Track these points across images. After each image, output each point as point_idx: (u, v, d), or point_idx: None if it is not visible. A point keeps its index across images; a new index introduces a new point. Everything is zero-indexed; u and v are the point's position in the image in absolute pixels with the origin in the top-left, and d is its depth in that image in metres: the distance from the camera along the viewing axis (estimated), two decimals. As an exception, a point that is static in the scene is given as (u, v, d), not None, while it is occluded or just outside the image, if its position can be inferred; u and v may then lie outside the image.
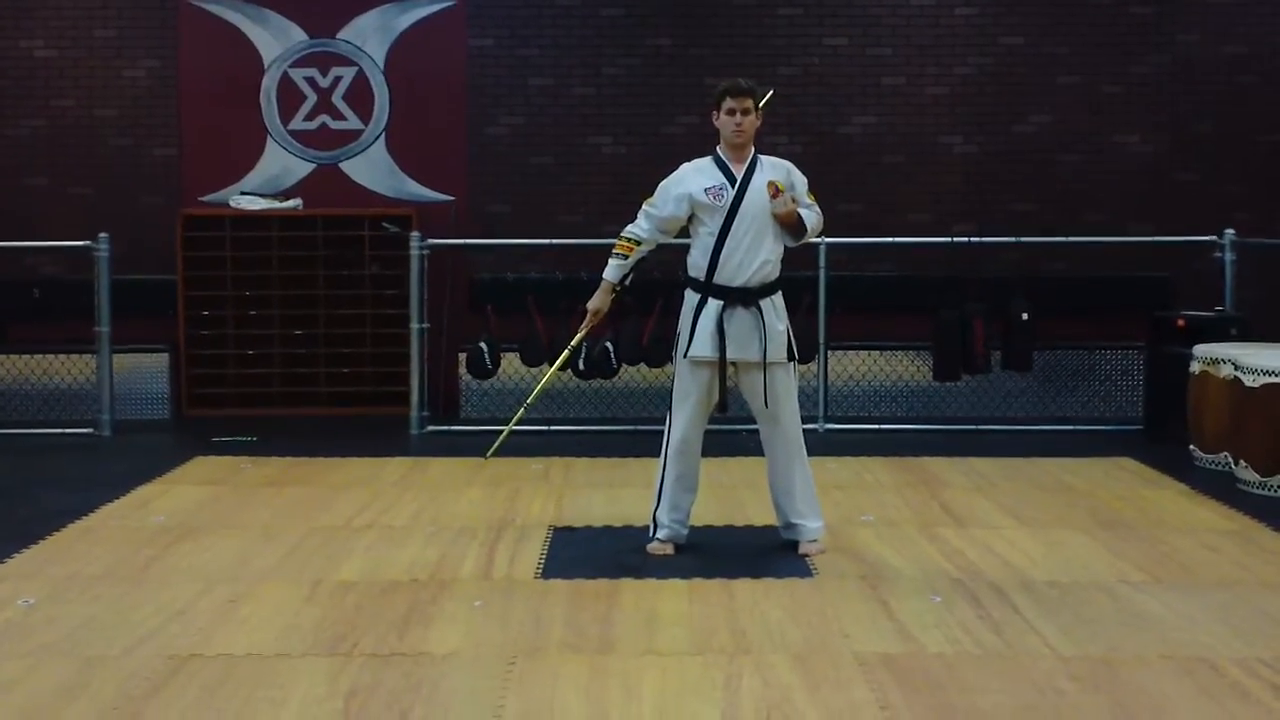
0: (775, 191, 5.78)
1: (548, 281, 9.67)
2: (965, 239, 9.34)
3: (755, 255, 5.77)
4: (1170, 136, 10.31)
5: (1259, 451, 7.21)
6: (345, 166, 10.32)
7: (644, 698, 4.27)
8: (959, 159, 10.34)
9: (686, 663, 4.57)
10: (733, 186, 5.78)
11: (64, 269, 10.11)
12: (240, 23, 10.24)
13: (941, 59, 10.33)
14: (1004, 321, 9.19)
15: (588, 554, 5.98)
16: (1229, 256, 9.03)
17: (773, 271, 5.85)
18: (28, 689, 4.35)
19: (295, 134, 10.29)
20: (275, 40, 10.27)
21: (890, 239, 9.63)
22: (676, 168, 5.97)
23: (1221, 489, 7.22)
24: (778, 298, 5.89)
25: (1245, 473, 7.30)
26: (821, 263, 9.12)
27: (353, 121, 10.31)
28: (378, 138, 10.32)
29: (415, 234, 9.29)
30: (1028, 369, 9.33)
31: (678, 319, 5.97)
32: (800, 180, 5.92)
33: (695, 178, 5.85)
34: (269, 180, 10.26)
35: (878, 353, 9.72)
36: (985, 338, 9.11)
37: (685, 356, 5.87)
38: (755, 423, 6.03)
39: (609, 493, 7.20)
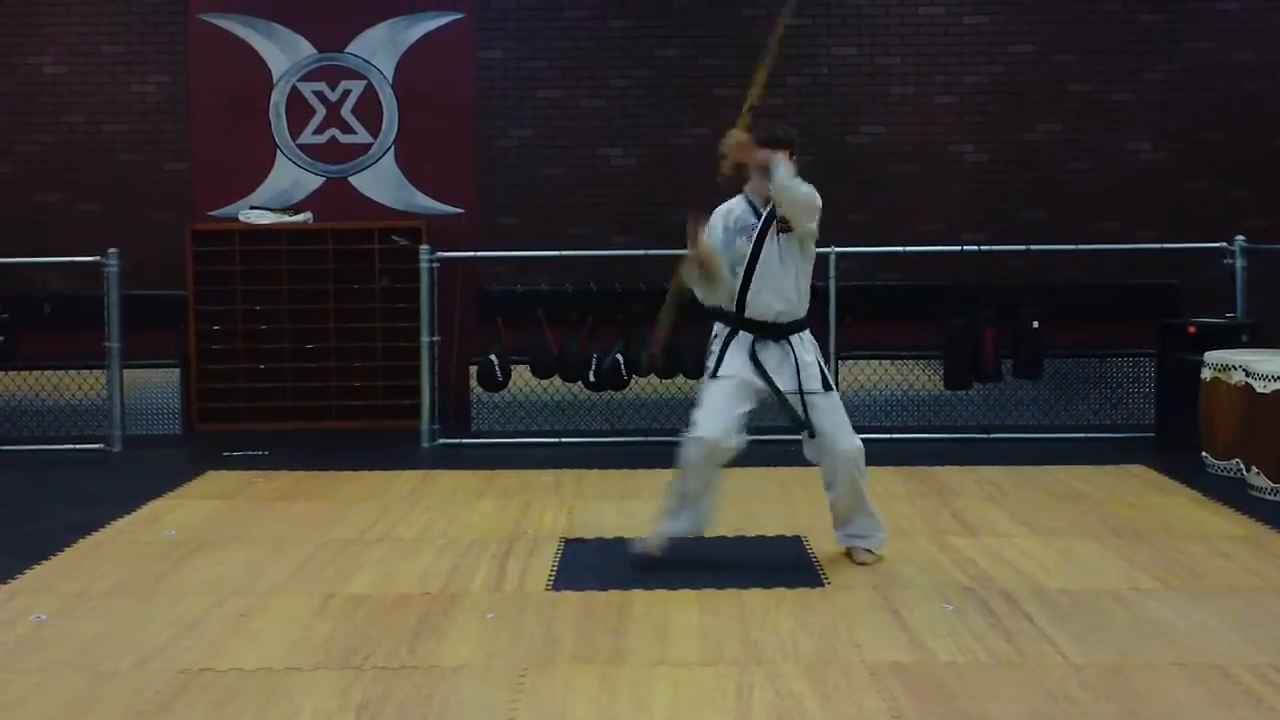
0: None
1: (558, 293, 9.71)
2: (975, 248, 9.33)
3: (779, 295, 5.77)
4: (1180, 144, 10.29)
5: (1270, 458, 7.18)
6: (355, 180, 10.34)
7: (655, 709, 4.26)
8: (969, 168, 10.33)
9: (698, 673, 4.56)
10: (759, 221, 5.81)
11: (74, 284, 10.13)
12: (249, 37, 10.28)
13: (951, 68, 10.33)
14: (1015, 329, 9.18)
15: (599, 565, 5.97)
16: (1239, 263, 9.03)
17: (798, 312, 5.86)
18: (40, 704, 4.36)
19: (304, 148, 10.32)
20: (284, 54, 10.31)
21: (901, 248, 9.61)
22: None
23: (1233, 495, 7.20)
24: (806, 334, 5.91)
25: (1257, 479, 7.27)
26: (832, 272, 9.12)
27: (362, 135, 10.34)
28: (387, 151, 10.35)
29: (425, 246, 9.30)
30: (1038, 377, 9.32)
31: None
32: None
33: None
34: (278, 194, 10.30)
35: (889, 361, 9.71)
36: (996, 346, 9.10)
37: (715, 378, 5.83)
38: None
39: (620, 504, 7.19)
